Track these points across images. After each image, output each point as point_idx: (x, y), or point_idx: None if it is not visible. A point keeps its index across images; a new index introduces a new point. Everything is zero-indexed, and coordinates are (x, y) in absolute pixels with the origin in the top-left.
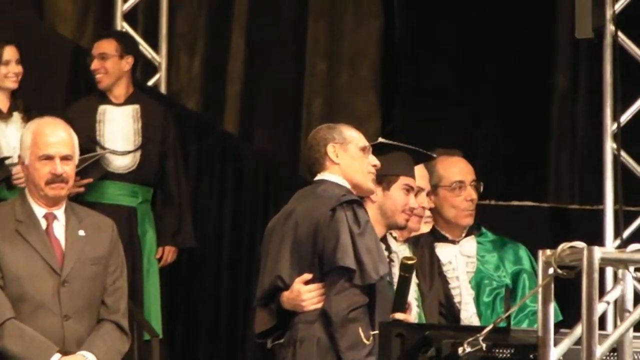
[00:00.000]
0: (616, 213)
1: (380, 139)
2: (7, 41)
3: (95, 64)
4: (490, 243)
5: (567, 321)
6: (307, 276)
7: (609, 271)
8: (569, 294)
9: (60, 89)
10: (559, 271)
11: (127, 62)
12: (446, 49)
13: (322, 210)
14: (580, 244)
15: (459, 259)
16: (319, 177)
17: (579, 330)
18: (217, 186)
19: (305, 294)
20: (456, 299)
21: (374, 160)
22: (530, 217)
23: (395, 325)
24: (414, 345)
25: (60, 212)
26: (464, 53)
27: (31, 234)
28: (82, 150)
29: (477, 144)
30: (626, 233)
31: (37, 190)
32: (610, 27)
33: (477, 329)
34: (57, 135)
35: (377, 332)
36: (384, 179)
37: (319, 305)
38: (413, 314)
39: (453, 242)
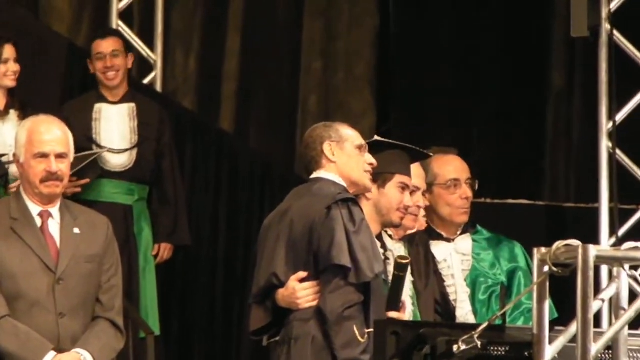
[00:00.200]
0: (611, 211)
1: (376, 137)
2: (6, 39)
3: (110, 61)
4: (485, 241)
5: (563, 319)
6: (303, 274)
7: (604, 269)
8: (564, 291)
9: (55, 87)
10: (554, 269)
11: (130, 60)
12: (441, 48)
13: (317, 209)
14: (575, 242)
15: (455, 257)
16: (315, 175)
17: (574, 327)
18: (213, 184)
19: (301, 291)
20: (452, 297)
21: (370, 158)
22: (525, 215)
23: (390, 323)
24: (409, 343)
25: (55, 210)
26: (460, 52)
27: (26, 231)
28: (79, 149)
29: (473, 142)
30: (621, 231)
31: (32, 188)
32: (606, 26)
33: (473, 327)
34: (52, 133)
35: (372, 330)
36: (379, 177)
37: (314, 303)
38: (408, 312)
39: (448, 240)
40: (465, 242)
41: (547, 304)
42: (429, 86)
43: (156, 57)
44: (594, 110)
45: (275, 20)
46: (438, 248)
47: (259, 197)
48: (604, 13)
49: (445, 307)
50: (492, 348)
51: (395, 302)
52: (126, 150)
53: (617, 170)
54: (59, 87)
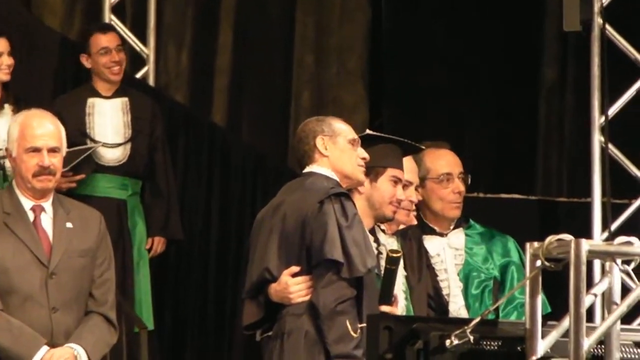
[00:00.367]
0: (604, 206)
1: (368, 131)
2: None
3: (116, 56)
4: (478, 235)
5: (556, 313)
6: (295, 269)
7: (597, 264)
8: (557, 286)
9: (47, 81)
10: (547, 264)
11: (126, 55)
12: (433, 43)
13: (310, 203)
14: (567, 237)
15: (447, 252)
16: (307, 169)
17: (566, 322)
18: (205, 178)
19: (293, 286)
20: (444, 292)
21: (362, 152)
22: (518, 210)
23: (383, 317)
24: (402, 337)
25: (47, 204)
26: (452, 47)
27: (19, 226)
28: (72, 143)
29: (465, 137)
30: (614, 226)
31: (24, 182)
32: (598, 20)
33: (465, 321)
34: (45, 128)
35: (364, 324)
36: (371, 170)
37: (307, 298)
38: (400, 307)
39: (441, 234)
40: (458, 237)
41: (540, 298)
42: (421, 81)
43: (149, 51)
44: (586, 105)
45: (267, 15)
46: (431, 242)
47: (252, 191)
48: (596, 7)
49: (438, 302)
50: (484, 343)
51: (387, 296)
52: (120, 144)
53: (610, 165)
54: (52, 81)
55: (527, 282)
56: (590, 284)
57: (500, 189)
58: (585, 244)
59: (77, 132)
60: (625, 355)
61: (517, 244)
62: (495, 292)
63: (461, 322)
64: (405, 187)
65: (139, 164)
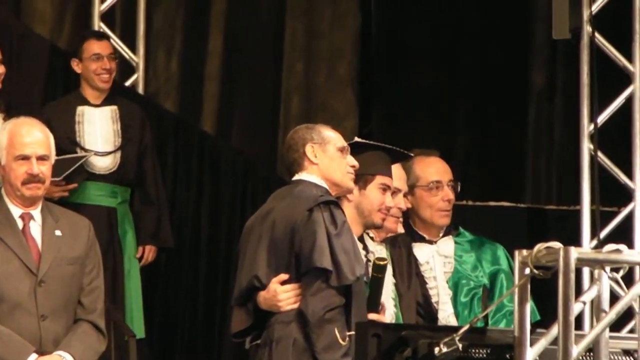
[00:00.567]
0: (593, 213)
1: (357, 139)
2: None
3: (107, 64)
4: (468, 243)
5: (544, 321)
6: (284, 276)
7: (586, 271)
8: (546, 294)
9: (37, 88)
10: (536, 271)
11: (117, 66)
12: (423, 49)
13: (299, 211)
14: (556, 244)
15: (437, 259)
16: (297, 177)
17: (555, 330)
18: (195, 186)
19: (282, 294)
20: (434, 299)
21: (352, 160)
22: (507, 218)
23: (371, 325)
24: (391, 345)
25: (36, 212)
26: (441, 53)
27: (7, 234)
28: (62, 152)
29: (455, 144)
30: (603, 233)
31: (13, 190)
32: (588, 28)
33: (454, 329)
34: (34, 136)
35: (353, 332)
36: (360, 178)
37: (295, 306)
38: (389, 314)
39: (430, 242)
40: (447, 245)
41: (529, 306)
42: (411, 88)
43: (138, 58)
44: (575, 112)
45: (257, 21)
46: (420, 250)
47: (241, 197)
48: (586, 15)
49: (427, 309)
50: (473, 350)
51: (374, 304)
52: (110, 152)
53: (599, 173)
54: (41, 88)
55: (516, 290)
56: (579, 291)
57: (490, 196)
58: (574, 252)
59: (67, 140)
60: None
61: (507, 251)
62: (485, 299)
63: (450, 330)
64: (393, 194)
65: (129, 172)
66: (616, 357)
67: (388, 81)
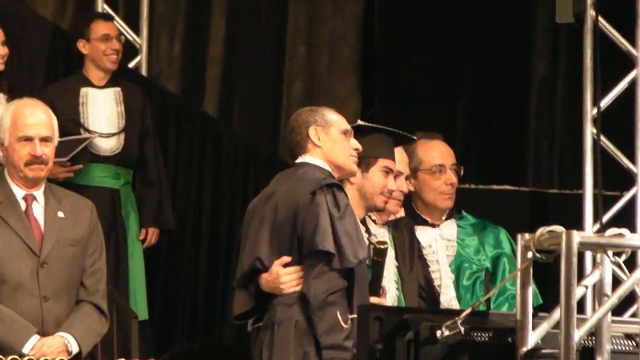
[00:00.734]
0: (595, 197)
1: (360, 122)
2: None
3: (116, 44)
4: (470, 226)
5: (547, 305)
6: (286, 259)
7: (588, 255)
8: (549, 277)
9: (39, 70)
10: (538, 255)
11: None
12: (426, 34)
13: (302, 193)
14: (559, 228)
15: (439, 243)
16: (300, 159)
17: (557, 314)
18: (197, 168)
19: (284, 276)
20: (436, 283)
21: (355, 143)
22: (509, 201)
23: (373, 308)
24: (393, 328)
25: (39, 193)
26: (444, 37)
27: (10, 215)
28: (66, 133)
29: (457, 128)
30: (605, 217)
31: (16, 171)
32: (591, 12)
33: (456, 313)
34: (37, 117)
35: (355, 315)
36: (362, 161)
37: (298, 288)
38: (391, 297)
39: (433, 225)
40: (450, 228)
41: (531, 290)
42: (413, 72)
43: (141, 41)
44: (578, 97)
45: (259, 4)
46: (423, 233)
47: (243, 181)
48: None
49: (430, 293)
50: (475, 334)
51: (375, 288)
52: (115, 134)
53: (602, 157)
54: (44, 70)
55: (519, 274)
56: (581, 275)
57: (492, 180)
58: (577, 236)
59: (71, 122)
60: (615, 347)
61: (509, 235)
62: (487, 283)
63: (452, 313)
64: (396, 177)
65: (132, 154)
66: (618, 341)
67: (390, 66)
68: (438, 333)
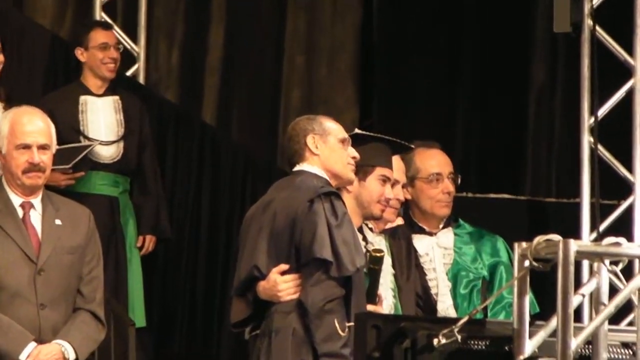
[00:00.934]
0: (593, 206)
1: (357, 130)
2: None
3: (114, 53)
4: (467, 235)
5: (544, 313)
6: (284, 267)
7: (585, 264)
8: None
9: (38, 78)
10: (535, 264)
11: (120, 56)
12: (424, 43)
13: (300, 201)
14: (556, 237)
15: (436, 251)
16: (297, 168)
17: (554, 322)
18: (195, 177)
19: (282, 284)
20: (433, 291)
21: (353, 152)
22: (507, 210)
23: (370, 316)
24: (390, 336)
25: (37, 201)
26: (442, 47)
27: (8, 222)
28: (65, 141)
29: (455, 137)
30: (602, 226)
31: (14, 179)
32: (588, 22)
33: (453, 321)
34: (35, 125)
35: (352, 323)
36: (360, 169)
37: (295, 296)
38: (388, 305)
39: (430, 233)
40: (447, 236)
41: (528, 298)
42: (411, 81)
43: (139, 49)
44: (575, 106)
45: (258, 13)
46: (420, 242)
47: (241, 189)
48: (587, 9)
49: (427, 301)
50: (472, 342)
51: (371, 296)
52: (114, 142)
53: (599, 166)
54: (42, 78)
55: (516, 282)
56: (578, 284)
57: (489, 188)
58: (574, 245)
59: (71, 130)
60: (612, 356)
61: (506, 243)
62: (484, 291)
63: (449, 322)
64: (393, 185)
65: (131, 162)
66: (615, 350)
67: (389, 75)
68: (435, 341)
